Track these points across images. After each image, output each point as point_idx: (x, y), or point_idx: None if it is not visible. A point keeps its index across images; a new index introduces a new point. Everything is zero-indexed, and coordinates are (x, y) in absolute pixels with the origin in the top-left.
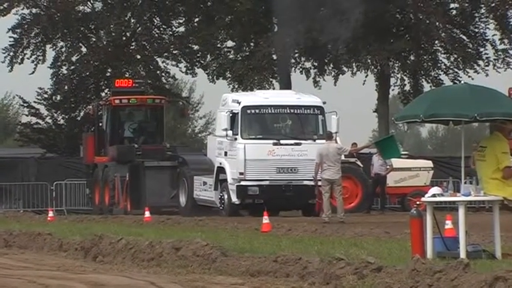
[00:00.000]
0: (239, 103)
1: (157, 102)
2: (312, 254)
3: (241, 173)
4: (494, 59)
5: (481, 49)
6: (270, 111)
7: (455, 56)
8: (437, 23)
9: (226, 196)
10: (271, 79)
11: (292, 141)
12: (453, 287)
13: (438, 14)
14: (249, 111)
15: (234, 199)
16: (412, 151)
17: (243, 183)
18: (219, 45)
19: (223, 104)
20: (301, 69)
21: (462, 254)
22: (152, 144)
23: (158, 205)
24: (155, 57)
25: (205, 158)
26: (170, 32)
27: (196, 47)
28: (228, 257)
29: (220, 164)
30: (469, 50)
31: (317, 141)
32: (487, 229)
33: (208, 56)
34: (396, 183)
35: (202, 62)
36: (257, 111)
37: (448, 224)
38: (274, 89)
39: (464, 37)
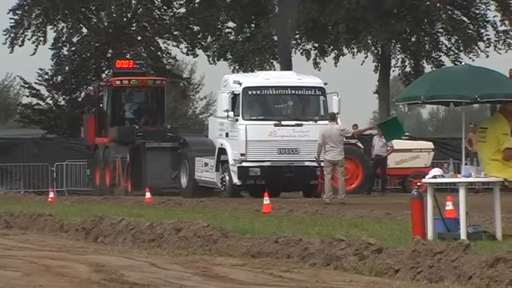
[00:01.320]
0: (240, 84)
1: (158, 84)
2: (313, 235)
3: (242, 154)
4: (495, 40)
5: (482, 30)
6: (271, 92)
7: (456, 37)
8: (438, 4)
9: (227, 177)
10: (272, 60)
11: (294, 122)
12: (454, 268)
13: None
14: (250, 92)
15: (235, 180)
16: (412, 132)
17: (244, 164)
18: (219, 27)
19: (224, 85)
20: (301, 50)
21: (463, 235)
22: (153, 125)
23: (159, 186)
24: (156, 38)
25: (206, 140)
26: (171, 13)
27: (197, 28)
28: (229, 238)
29: (222, 145)
30: (470, 31)
31: (318, 122)
32: (487, 210)
33: (209, 37)
34: (397, 165)
35: (203, 43)
36: (258, 92)
37: (449, 205)
38: (275, 70)
39: (465, 18)
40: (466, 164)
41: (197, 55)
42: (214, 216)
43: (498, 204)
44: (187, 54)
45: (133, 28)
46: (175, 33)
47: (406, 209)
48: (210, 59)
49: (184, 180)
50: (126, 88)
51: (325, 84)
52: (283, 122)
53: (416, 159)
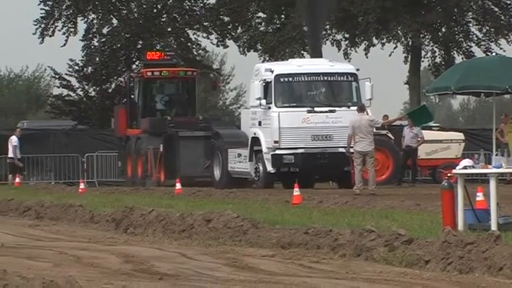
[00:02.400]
0: (272, 72)
1: (189, 75)
2: (343, 226)
3: (276, 142)
4: None
5: None
6: (303, 79)
7: (487, 27)
8: None
9: (261, 167)
10: (302, 51)
11: (327, 109)
12: (484, 259)
13: None
14: (282, 80)
15: (269, 168)
16: (443, 123)
17: (278, 151)
18: (249, 17)
19: (256, 74)
20: (332, 40)
21: (493, 226)
22: (184, 116)
23: (192, 175)
24: (186, 29)
25: (239, 132)
26: (201, 4)
27: (227, 19)
28: (259, 229)
29: (255, 134)
30: (501, 21)
31: (351, 108)
32: None
33: (239, 27)
34: (427, 156)
35: (233, 34)
36: (290, 79)
37: (479, 196)
38: None
39: (496, 8)
40: (496, 155)
41: (227, 46)
42: (245, 207)
43: None
44: (218, 46)
45: (163, 19)
46: (205, 24)
47: (436, 200)
48: (241, 49)
49: (217, 173)
50: (157, 79)
51: (358, 70)
52: (316, 109)
53: (447, 150)
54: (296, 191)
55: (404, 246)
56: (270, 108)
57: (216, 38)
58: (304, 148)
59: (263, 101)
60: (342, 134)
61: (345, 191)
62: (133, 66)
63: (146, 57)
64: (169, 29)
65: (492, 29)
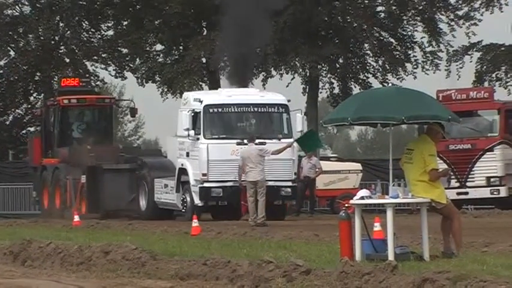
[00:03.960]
0: (201, 102)
1: (107, 102)
2: (241, 257)
3: (204, 174)
4: (423, 61)
5: (410, 52)
6: (233, 110)
7: (384, 59)
8: (364, 26)
9: (188, 198)
10: (200, 83)
11: (257, 141)
12: None
13: (366, 17)
14: (211, 110)
15: (197, 201)
16: (341, 154)
17: (206, 184)
18: (148, 49)
19: (185, 103)
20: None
21: (390, 256)
22: (103, 145)
23: (117, 208)
24: (84, 60)
25: (165, 161)
26: (99, 36)
27: (125, 51)
28: (158, 261)
29: (182, 165)
30: (398, 52)
31: (282, 140)
32: (415, 231)
33: (138, 59)
34: (325, 186)
35: (131, 65)
36: (220, 109)
37: (377, 226)
38: None
39: (392, 40)
40: (393, 185)
41: (126, 77)
42: (143, 239)
43: (426, 225)
44: (116, 77)
45: (61, 51)
46: (103, 55)
47: (334, 230)
48: (139, 81)
49: (143, 203)
50: (74, 107)
51: (289, 101)
52: (245, 141)
53: (345, 180)
54: (195, 222)
55: (303, 277)
56: (198, 139)
57: (114, 69)
58: (233, 181)
59: (191, 132)
60: (272, 166)
61: (243, 222)
62: (31, 98)
63: (61, 84)
64: (67, 60)
65: (387, 61)
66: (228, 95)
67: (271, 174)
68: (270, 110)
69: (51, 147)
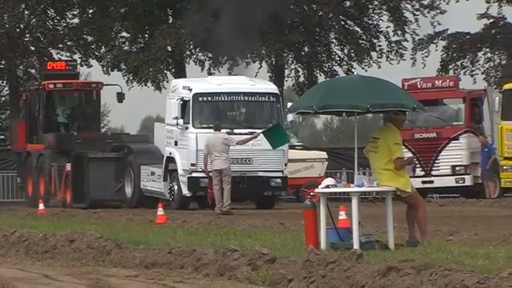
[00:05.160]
0: (190, 90)
1: (93, 87)
2: (206, 246)
3: (192, 164)
4: (388, 51)
5: (375, 41)
6: (223, 99)
7: (349, 47)
8: (330, 15)
9: (176, 187)
10: (165, 71)
11: (247, 131)
12: (346, 277)
13: (331, 6)
14: (200, 99)
15: (185, 191)
16: (307, 142)
17: (194, 174)
18: (113, 37)
19: (173, 90)
20: (196, 60)
21: (355, 245)
22: (89, 131)
23: (102, 198)
24: (49, 48)
25: (152, 147)
26: (64, 24)
27: (90, 39)
28: (123, 249)
29: (170, 153)
30: (363, 41)
31: None
32: (380, 220)
33: (103, 47)
34: (291, 175)
35: (96, 53)
36: (209, 98)
37: (342, 215)
38: (168, 81)
39: (358, 29)
40: (361, 174)
41: (91, 65)
42: (108, 227)
43: (391, 214)
44: (81, 65)
45: (26, 39)
46: (68, 43)
47: (299, 219)
48: (104, 69)
49: (128, 190)
50: (60, 91)
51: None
52: (235, 130)
53: (310, 169)
54: (160, 211)
55: (268, 265)
56: (187, 128)
57: (79, 57)
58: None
59: (180, 121)
60: (263, 157)
61: (209, 212)
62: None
63: (47, 67)
64: (32, 48)
65: (352, 50)
66: (217, 83)
67: (261, 165)
68: (260, 99)
69: (36, 133)
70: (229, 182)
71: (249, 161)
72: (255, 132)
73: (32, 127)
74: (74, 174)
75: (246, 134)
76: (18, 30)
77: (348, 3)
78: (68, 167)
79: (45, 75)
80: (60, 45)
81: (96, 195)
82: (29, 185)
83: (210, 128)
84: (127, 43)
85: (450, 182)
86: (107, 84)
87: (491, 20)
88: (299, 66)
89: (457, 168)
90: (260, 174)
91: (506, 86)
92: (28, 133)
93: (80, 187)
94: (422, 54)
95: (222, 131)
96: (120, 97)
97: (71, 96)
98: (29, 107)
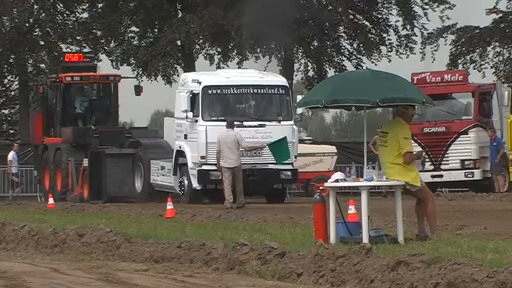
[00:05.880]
0: (199, 83)
1: (111, 80)
2: (216, 240)
3: (202, 157)
4: (397, 45)
5: (384, 35)
6: (232, 92)
7: (358, 42)
8: (339, 9)
9: (186, 181)
10: (175, 65)
11: (256, 123)
12: (356, 271)
13: (340, 0)
14: (210, 92)
15: (195, 184)
16: (316, 137)
17: (204, 167)
18: (123, 31)
19: (183, 84)
20: (205, 54)
21: (365, 239)
22: (107, 125)
23: (119, 195)
24: (59, 43)
25: (162, 141)
26: (74, 18)
27: (100, 33)
28: (132, 243)
29: (180, 147)
30: (372, 35)
31: (282, 122)
32: (390, 214)
33: (112, 42)
34: (300, 169)
35: (106, 48)
36: (219, 91)
37: (351, 209)
38: (178, 75)
39: (367, 23)
40: (370, 168)
41: (100, 60)
42: (118, 222)
43: (400, 208)
44: (91, 60)
45: (36, 33)
46: (78, 38)
47: (309, 213)
48: (113, 63)
49: (138, 185)
50: (78, 84)
51: (290, 83)
52: (245, 123)
53: (320, 163)
54: (169, 205)
55: (277, 260)
56: (197, 121)
57: (88, 52)
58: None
59: (190, 114)
60: None
61: (219, 206)
62: (5, 80)
63: (64, 59)
64: (42, 43)
65: (361, 44)
66: (226, 76)
67: (271, 157)
68: (269, 92)
69: (53, 126)
70: (241, 178)
71: (259, 153)
72: (264, 124)
73: (49, 120)
74: (91, 170)
75: (255, 126)
76: (27, 25)
77: None
78: (86, 162)
79: (63, 67)
80: (70, 40)
81: (113, 192)
82: (45, 178)
83: (220, 120)
84: (136, 37)
85: (459, 176)
86: (124, 77)
87: (501, 15)
88: (308, 61)
89: (466, 162)
90: (270, 166)
91: None
92: (45, 126)
93: (98, 183)
94: (431, 48)
95: (235, 129)
96: (138, 90)
97: (88, 89)
98: (46, 100)
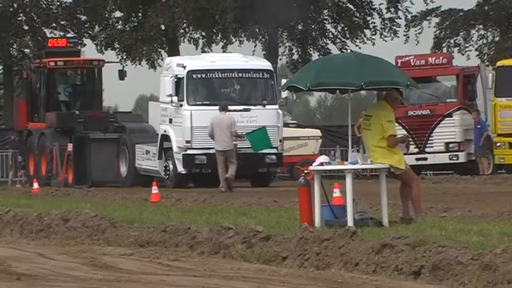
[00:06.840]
0: (184, 67)
1: (95, 64)
2: (201, 224)
3: (187, 141)
4: (381, 28)
5: (368, 18)
6: (217, 76)
7: (343, 25)
8: None
9: (171, 165)
10: (159, 49)
11: (241, 107)
12: (341, 254)
13: None
14: (194, 76)
15: (180, 169)
16: (300, 120)
17: (189, 151)
18: (107, 16)
19: (167, 68)
20: (189, 38)
21: (350, 222)
22: (90, 108)
23: (104, 180)
24: (43, 28)
25: (147, 126)
26: (58, 3)
27: (84, 18)
28: (117, 228)
29: (165, 131)
30: (356, 19)
31: (267, 106)
32: (374, 197)
33: (96, 26)
34: (285, 152)
35: (90, 32)
36: (203, 75)
37: (336, 193)
38: (162, 59)
39: (351, 6)
40: (355, 151)
41: (85, 44)
42: (103, 206)
43: (385, 191)
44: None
45: (20, 18)
46: (62, 22)
47: (293, 196)
48: (98, 48)
49: (123, 169)
50: (61, 69)
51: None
52: (230, 107)
53: (304, 146)
54: (154, 190)
55: (262, 243)
56: (181, 105)
57: (72, 36)
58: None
59: (174, 98)
60: None
61: (202, 190)
62: None
63: (47, 45)
64: (26, 28)
65: (346, 27)
66: (211, 60)
67: None
68: (254, 76)
69: (37, 111)
70: (235, 162)
71: (244, 137)
72: (249, 108)
73: (33, 105)
74: (76, 155)
75: (240, 110)
76: (11, 9)
77: None
78: (70, 147)
79: (46, 52)
80: (54, 25)
81: (97, 177)
82: (30, 164)
83: (205, 105)
84: (120, 22)
85: (444, 159)
86: (108, 62)
87: None
88: (293, 44)
89: (450, 145)
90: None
91: (499, 63)
92: (29, 111)
93: (82, 168)
94: (415, 31)
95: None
96: (122, 74)
97: (72, 73)
98: (30, 85)
